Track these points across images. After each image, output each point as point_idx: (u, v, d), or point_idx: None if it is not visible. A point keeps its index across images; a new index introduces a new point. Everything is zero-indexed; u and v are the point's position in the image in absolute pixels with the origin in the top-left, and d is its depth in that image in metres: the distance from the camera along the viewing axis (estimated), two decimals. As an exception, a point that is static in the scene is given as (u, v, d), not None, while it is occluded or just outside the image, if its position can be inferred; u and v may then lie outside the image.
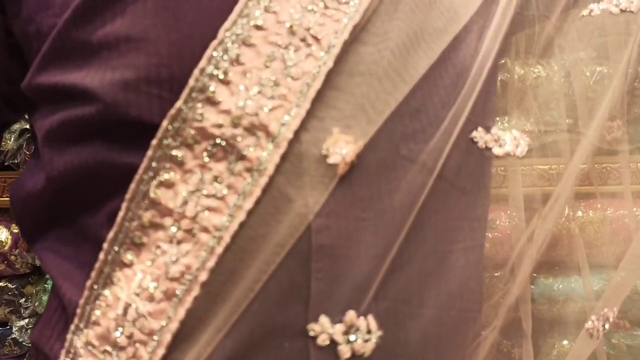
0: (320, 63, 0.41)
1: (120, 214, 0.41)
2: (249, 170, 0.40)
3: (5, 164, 1.17)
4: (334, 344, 0.40)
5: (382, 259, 0.42)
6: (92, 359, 0.42)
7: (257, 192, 0.39)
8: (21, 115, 0.56)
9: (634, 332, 0.90)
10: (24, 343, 1.24)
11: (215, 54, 0.40)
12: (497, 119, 0.52)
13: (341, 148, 0.40)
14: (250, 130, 0.40)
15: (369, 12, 0.43)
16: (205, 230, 0.40)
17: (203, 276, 0.39)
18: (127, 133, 0.41)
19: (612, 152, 0.59)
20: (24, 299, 1.24)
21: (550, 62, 0.60)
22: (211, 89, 0.40)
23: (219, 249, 0.39)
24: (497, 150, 0.51)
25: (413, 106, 0.44)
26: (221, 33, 0.40)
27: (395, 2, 0.44)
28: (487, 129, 0.50)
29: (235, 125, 0.40)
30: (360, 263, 0.41)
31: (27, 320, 1.24)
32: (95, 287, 0.42)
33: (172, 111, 0.40)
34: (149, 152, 0.40)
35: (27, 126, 1.12)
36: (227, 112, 0.40)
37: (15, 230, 1.19)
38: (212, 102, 0.40)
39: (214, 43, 0.40)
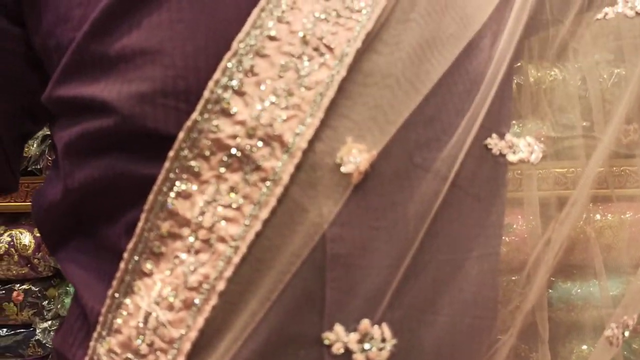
0: (333, 72, 0.40)
1: (140, 224, 0.42)
2: (264, 180, 0.40)
3: (28, 169, 1.18)
4: (348, 352, 0.41)
5: (396, 268, 0.42)
6: None
7: (273, 202, 0.40)
8: (41, 127, 0.56)
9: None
10: (47, 344, 1.26)
11: (229, 65, 0.40)
12: (513, 122, 0.52)
13: (355, 157, 0.40)
14: (265, 140, 0.40)
15: (381, 20, 0.42)
16: (222, 240, 0.40)
17: (221, 285, 0.40)
18: (145, 145, 0.41)
19: (630, 156, 0.58)
20: (46, 302, 1.26)
21: (566, 65, 0.60)
22: (226, 100, 0.40)
23: (236, 259, 0.40)
24: (511, 157, 0.50)
25: (427, 114, 0.44)
26: (235, 44, 0.40)
27: (408, 10, 0.43)
28: (501, 136, 0.49)
29: (250, 136, 0.40)
30: (375, 272, 0.41)
31: (50, 322, 1.26)
32: (117, 295, 0.43)
33: (188, 123, 0.40)
34: (166, 164, 0.41)
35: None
36: (242, 123, 0.40)
37: (38, 234, 1.20)
38: (227, 113, 0.40)
39: (228, 54, 0.40)
